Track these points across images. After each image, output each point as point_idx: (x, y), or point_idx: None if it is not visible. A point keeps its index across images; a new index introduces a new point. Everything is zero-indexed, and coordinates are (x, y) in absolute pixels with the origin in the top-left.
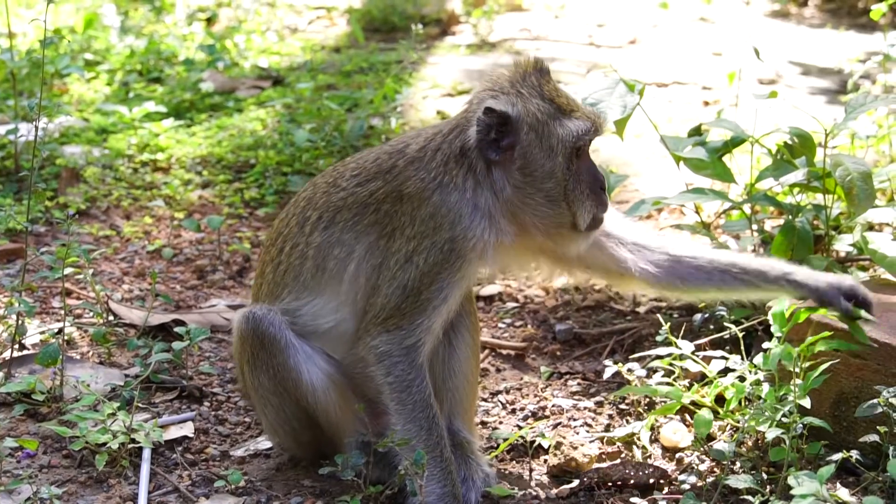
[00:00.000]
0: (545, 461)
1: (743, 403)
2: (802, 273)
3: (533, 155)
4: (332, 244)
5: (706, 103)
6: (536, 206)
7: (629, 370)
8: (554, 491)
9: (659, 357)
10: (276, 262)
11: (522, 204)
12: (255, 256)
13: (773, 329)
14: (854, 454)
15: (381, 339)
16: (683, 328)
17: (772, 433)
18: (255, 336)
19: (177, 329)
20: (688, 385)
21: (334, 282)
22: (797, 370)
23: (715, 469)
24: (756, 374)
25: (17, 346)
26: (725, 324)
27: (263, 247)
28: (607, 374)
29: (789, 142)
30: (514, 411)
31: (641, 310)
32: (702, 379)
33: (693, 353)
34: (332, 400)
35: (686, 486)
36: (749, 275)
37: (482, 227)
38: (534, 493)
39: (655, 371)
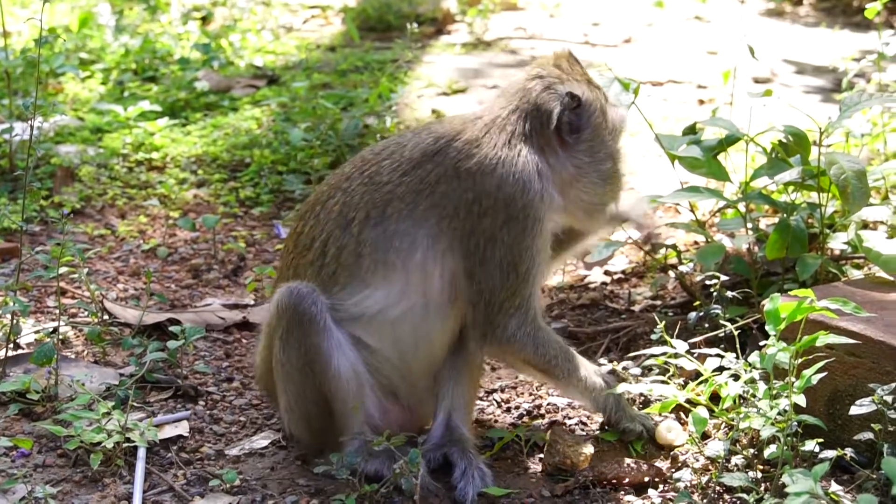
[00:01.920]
0: (540, 460)
1: (737, 402)
2: None
3: (601, 136)
4: (390, 237)
5: (701, 102)
6: (589, 184)
7: (624, 368)
8: (549, 489)
9: (654, 355)
10: (319, 265)
11: (577, 181)
12: (251, 255)
13: (767, 328)
14: (848, 452)
15: (511, 325)
16: (678, 326)
17: (766, 431)
18: (294, 312)
19: (172, 328)
20: (683, 383)
21: (398, 274)
22: (792, 367)
23: (710, 467)
24: (751, 372)
25: (11, 346)
26: (720, 322)
27: (286, 254)
28: (602, 372)
29: (784, 140)
30: (509, 410)
31: (636, 308)
32: (697, 377)
33: (688, 351)
34: (352, 391)
35: (681, 485)
36: None
37: (548, 190)
38: (529, 492)
39: (650, 369)
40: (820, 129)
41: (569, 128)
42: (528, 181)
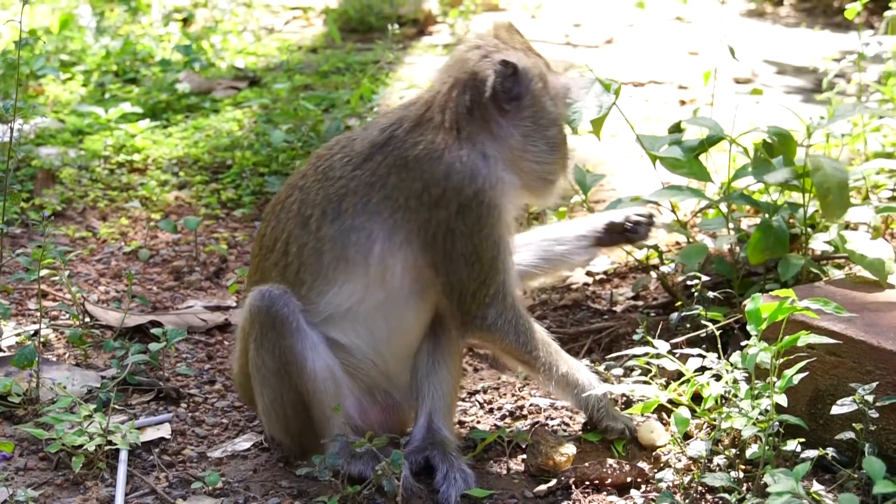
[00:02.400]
0: (523, 460)
1: (719, 402)
2: (587, 227)
3: (542, 102)
4: (347, 232)
5: (682, 102)
6: (539, 153)
7: (606, 369)
8: (531, 490)
9: (636, 356)
10: (283, 265)
11: (526, 151)
12: (233, 257)
13: (748, 328)
14: (830, 451)
15: (489, 315)
16: (660, 327)
17: (748, 431)
18: (267, 314)
19: (153, 330)
20: (665, 384)
21: (359, 267)
22: (773, 367)
23: (692, 467)
24: (733, 372)
25: None
26: (702, 322)
27: (253, 258)
28: (588, 370)
29: (768, 140)
30: (491, 411)
31: (618, 309)
32: (679, 377)
33: (670, 351)
34: (330, 392)
35: (663, 485)
36: (556, 259)
37: (497, 173)
38: (511, 493)
39: (633, 370)
40: (808, 129)
41: (506, 96)
42: (475, 167)
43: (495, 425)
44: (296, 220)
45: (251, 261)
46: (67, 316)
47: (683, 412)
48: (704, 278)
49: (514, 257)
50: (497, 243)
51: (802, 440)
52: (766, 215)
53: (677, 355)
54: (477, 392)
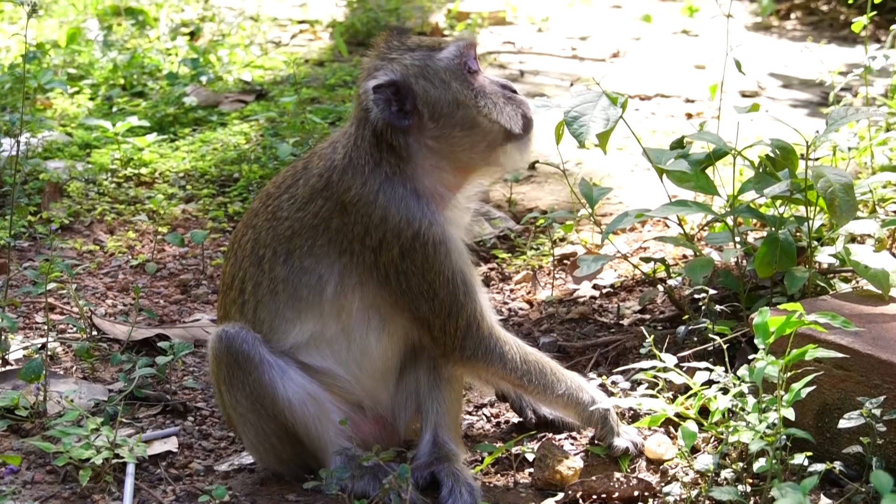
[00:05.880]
0: (530, 474)
1: (727, 415)
2: None
3: (432, 96)
4: (298, 274)
5: (689, 116)
6: (462, 139)
7: (613, 383)
8: None
9: (643, 369)
10: (241, 303)
11: (451, 147)
12: None
13: (756, 341)
14: (837, 465)
15: (468, 346)
16: (667, 340)
17: (755, 445)
18: (228, 354)
19: (160, 344)
20: (672, 397)
21: (314, 307)
22: (781, 381)
23: (699, 481)
24: (740, 385)
25: (0, 362)
26: (709, 335)
27: (219, 294)
28: (591, 386)
29: (771, 154)
30: (498, 424)
31: (625, 322)
32: (686, 391)
33: (677, 365)
34: (311, 414)
35: (670, 499)
36: None
37: (432, 211)
38: None
39: (640, 383)
40: (807, 142)
41: (397, 116)
42: (409, 210)
43: (502, 439)
44: (250, 259)
45: (218, 297)
46: (75, 329)
47: (691, 426)
48: (711, 292)
49: None
50: (451, 278)
51: (810, 454)
52: (773, 228)
53: (684, 369)
54: (483, 406)
